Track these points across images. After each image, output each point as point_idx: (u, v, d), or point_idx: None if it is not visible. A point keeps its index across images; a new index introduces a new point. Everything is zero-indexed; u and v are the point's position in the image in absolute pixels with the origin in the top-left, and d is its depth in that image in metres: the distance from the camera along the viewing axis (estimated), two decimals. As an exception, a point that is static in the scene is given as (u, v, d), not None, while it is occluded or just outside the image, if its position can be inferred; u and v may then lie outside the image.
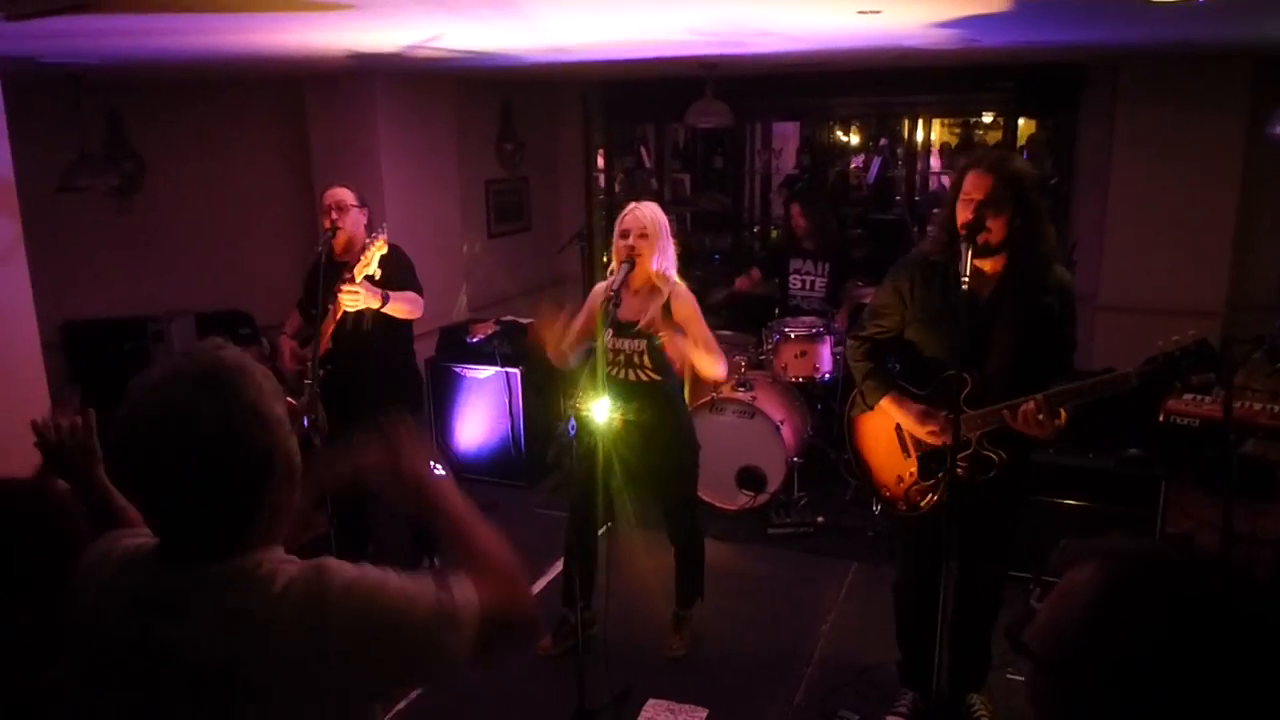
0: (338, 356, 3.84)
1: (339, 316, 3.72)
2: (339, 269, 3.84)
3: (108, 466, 1.26)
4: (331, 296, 3.72)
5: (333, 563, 1.21)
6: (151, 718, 1.19)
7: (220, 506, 1.17)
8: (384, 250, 3.64)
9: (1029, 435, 2.70)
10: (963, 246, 2.61)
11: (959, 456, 2.73)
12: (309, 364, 3.76)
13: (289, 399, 3.92)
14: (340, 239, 3.89)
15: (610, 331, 3.36)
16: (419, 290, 3.94)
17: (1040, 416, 2.62)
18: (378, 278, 3.68)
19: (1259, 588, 0.93)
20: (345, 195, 3.94)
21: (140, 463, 1.17)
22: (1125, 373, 2.58)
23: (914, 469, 2.98)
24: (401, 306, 3.80)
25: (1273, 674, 0.86)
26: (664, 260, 3.39)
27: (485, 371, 5.36)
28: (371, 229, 3.93)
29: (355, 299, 3.62)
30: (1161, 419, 3.79)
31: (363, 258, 3.61)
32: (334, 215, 3.88)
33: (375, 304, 3.68)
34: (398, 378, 4.11)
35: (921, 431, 2.88)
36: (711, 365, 3.42)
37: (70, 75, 4.66)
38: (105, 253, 5.48)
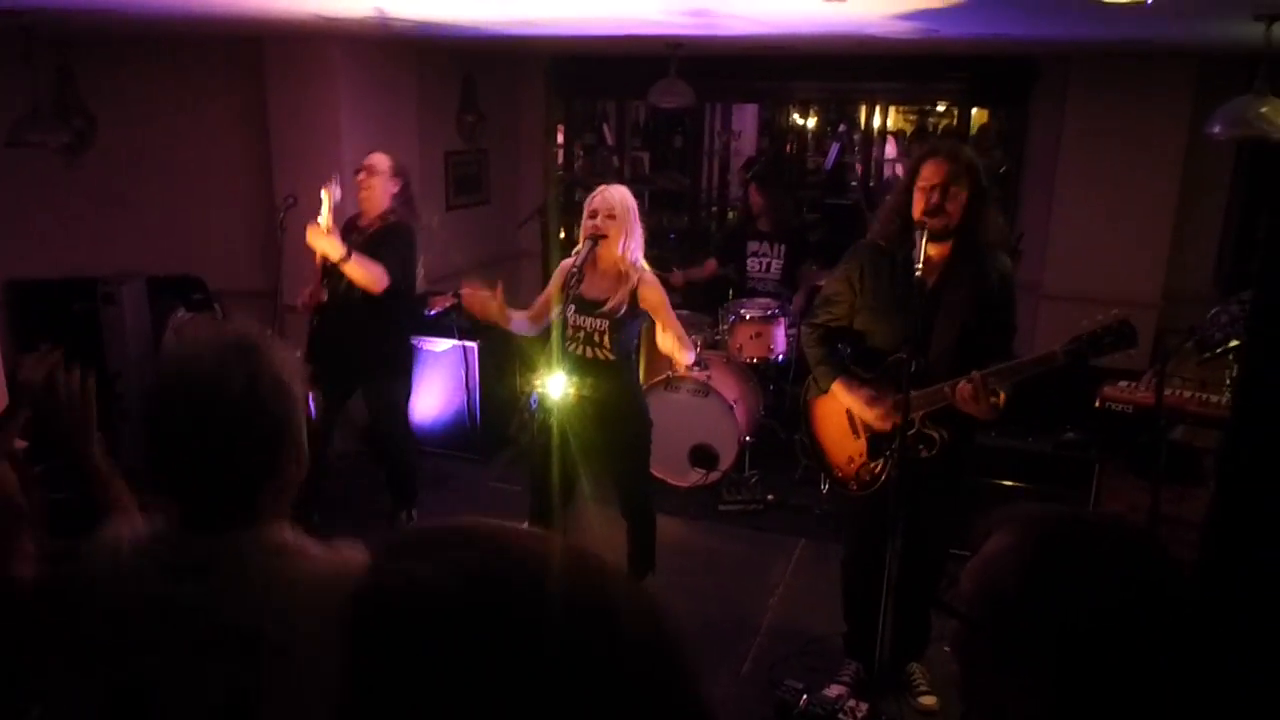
0: (327, 322, 4.02)
1: (319, 261, 3.92)
2: (356, 232, 4.04)
3: (141, 432, 1.27)
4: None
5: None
6: (181, 677, 1.22)
7: (242, 470, 1.24)
8: (334, 198, 3.80)
9: (971, 416, 2.81)
10: (918, 234, 2.71)
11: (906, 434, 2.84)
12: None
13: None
14: (363, 200, 4.04)
15: (573, 308, 3.41)
16: (393, 266, 3.97)
17: (976, 395, 2.73)
18: (327, 227, 3.82)
19: (1158, 539, 1.03)
20: (378, 159, 4.05)
21: (172, 422, 1.24)
22: (1052, 351, 2.71)
23: (864, 449, 3.09)
24: (359, 271, 3.87)
25: (1196, 618, 0.95)
26: (630, 243, 3.44)
27: (442, 344, 5.37)
28: (408, 203, 4.12)
29: (316, 237, 3.77)
30: (1097, 404, 3.95)
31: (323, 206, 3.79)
32: (360, 176, 4.00)
33: (335, 254, 3.80)
34: (382, 349, 4.16)
35: (869, 415, 2.99)
36: (683, 355, 3.52)
37: (21, 27, 4.53)
38: (53, 211, 5.34)
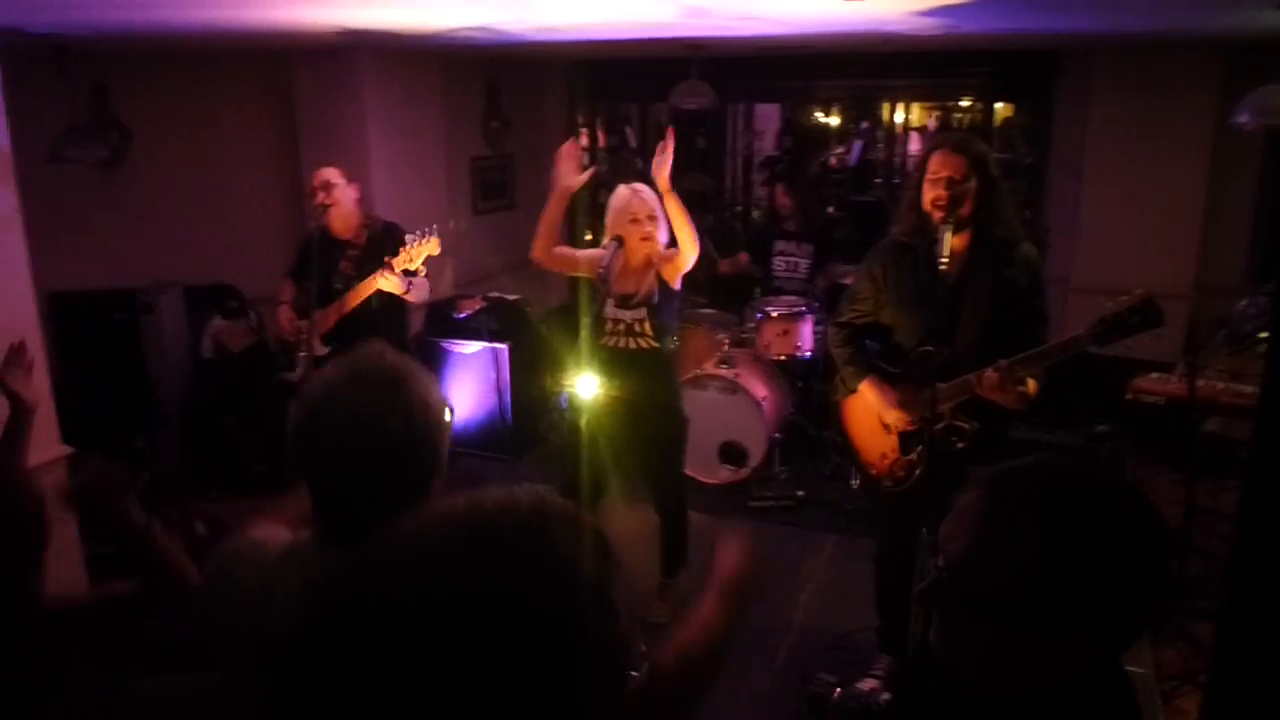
0: (343, 335, 3.89)
1: (358, 300, 3.80)
2: (338, 247, 3.91)
3: (290, 464, 1.29)
4: (340, 278, 3.79)
5: None
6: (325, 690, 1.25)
7: (399, 498, 1.23)
8: (435, 251, 3.70)
9: (1001, 406, 2.81)
10: (940, 228, 2.73)
11: (934, 428, 2.85)
12: (304, 337, 3.83)
13: (287, 374, 3.99)
14: (334, 216, 3.94)
15: (610, 303, 3.47)
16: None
17: (1003, 383, 2.71)
18: (414, 269, 3.76)
19: (1128, 483, 1.05)
20: (331, 173, 3.98)
21: (331, 459, 1.25)
22: (1077, 334, 2.64)
23: (895, 444, 3.10)
24: (421, 294, 3.90)
25: (1146, 553, 0.98)
26: (665, 237, 3.51)
27: (472, 347, 5.43)
28: (364, 204, 3.99)
29: (392, 284, 3.72)
30: (1129, 397, 3.94)
31: (406, 252, 3.65)
32: (321, 195, 3.92)
33: (400, 290, 3.77)
34: (401, 347, 4.19)
35: (891, 416, 3.01)
36: (690, 237, 3.45)
37: (56, 46, 4.64)
38: (91, 224, 5.47)
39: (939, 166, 2.78)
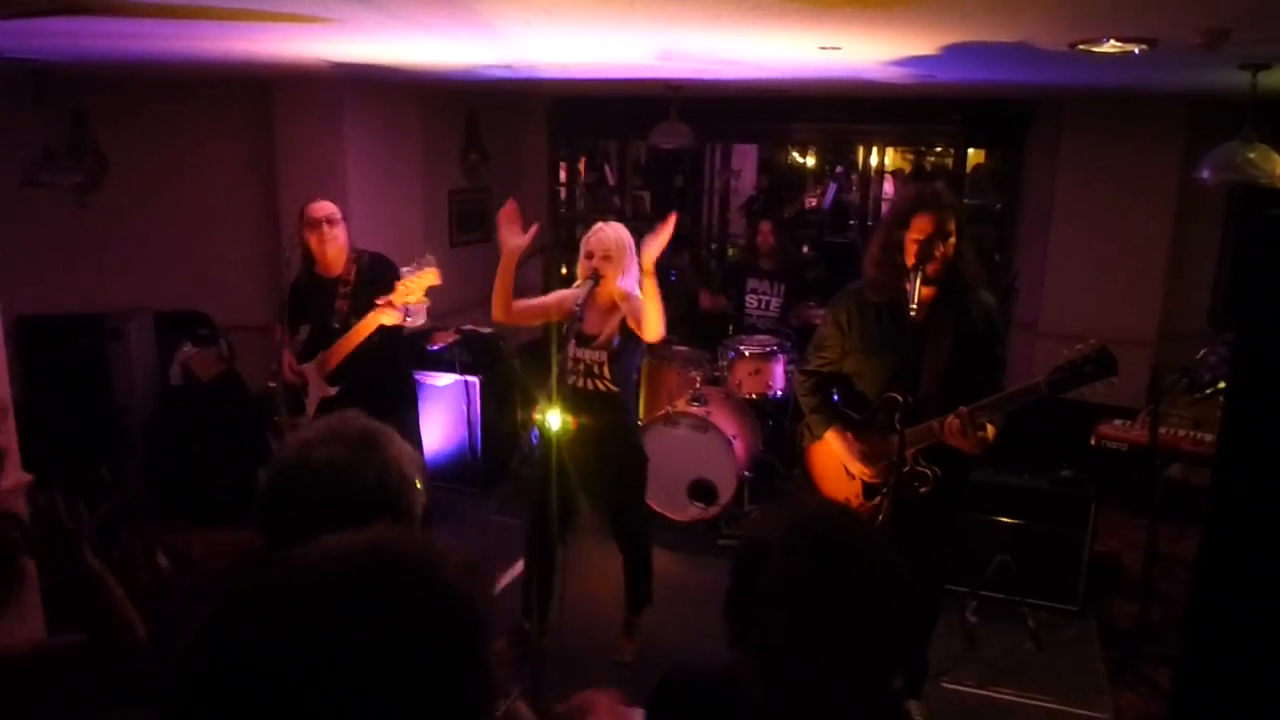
0: (349, 373, 3.80)
1: (360, 339, 3.72)
2: (329, 285, 3.86)
3: (260, 514, 1.31)
4: (338, 317, 3.76)
5: None
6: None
7: None
8: (436, 281, 3.62)
9: (962, 450, 2.85)
10: (912, 276, 2.77)
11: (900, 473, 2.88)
12: (308, 381, 3.81)
13: (297, 417, 3.92)
14: (330, 252, 3.87)
15: (573, 343, 3.47)
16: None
17: (964, 429, 2.77)
18: (355, 289, 3.72)
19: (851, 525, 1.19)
20: (332, 208, 3.88)
21: (302, 510, 1.27)
22: (1035, 382, 2.74)
23: (859, 489, 3.13)
24: (419, 321, 3.85)
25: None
26: (626, 279, 3.50)
27: (444, 379, 5.42)
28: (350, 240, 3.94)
29: (393, 318, 3.67)
30: (1093, 443, 4.00)
31: (404, 286, 3.59)
32: (325, 229, 3.83)
33: (396, 321, 3.70)
34: (401, 385, 4.15)
35: (855, 466, 3.04)
36: (658, 321, 3.40)
37: (34, 71, 4.64)
38: (63, 249, 5.43)
39: (925, 225, 2.82)
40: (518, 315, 3.65)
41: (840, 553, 1.11)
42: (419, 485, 1.36)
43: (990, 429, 2.84)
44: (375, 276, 3.85)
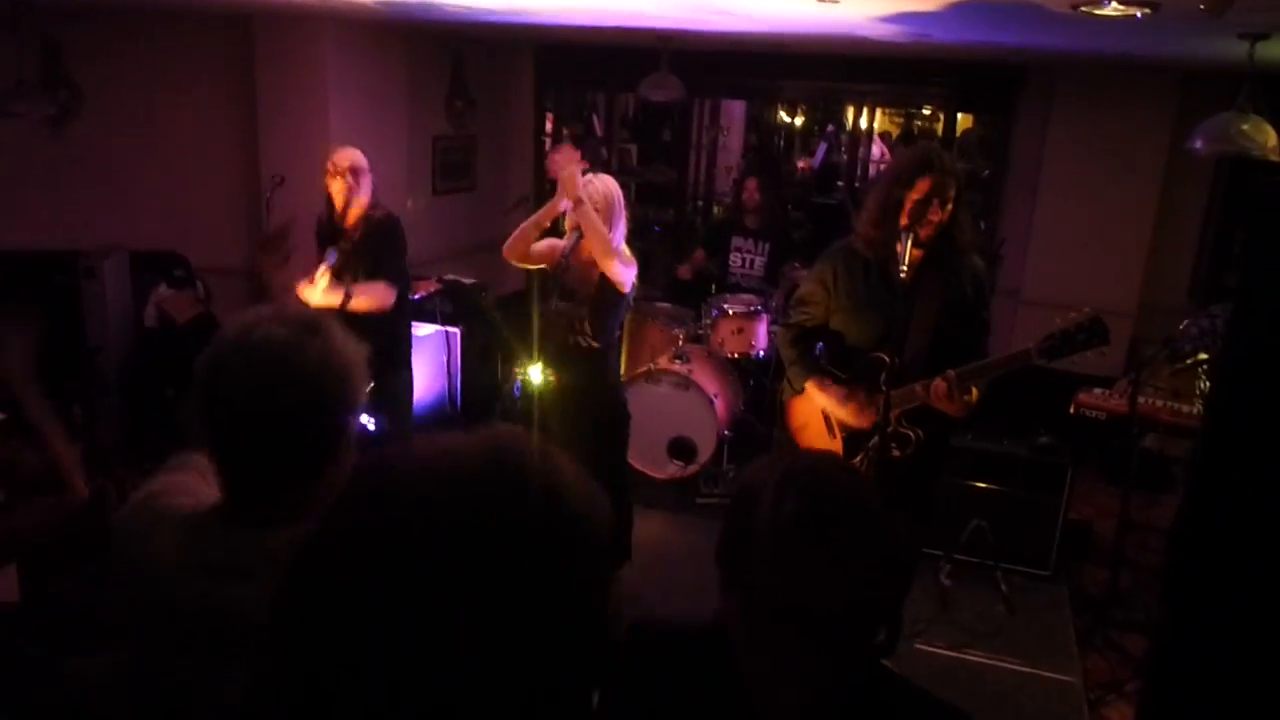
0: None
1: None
2: (336, 234, 3.81)
3: (199, 405, 1.22)
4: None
5: None
6: (217, 676, 1.20)
7: (304, 450, 1.20)
8: (315, 300, 3.60)
9: (945, 414, 2.86)
10: (903, 237, 2.75)
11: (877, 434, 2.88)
12: None
13: None
14: (352, 203, 3.79)
15: (555, 295, 3.43)
16: (394, 275, 3.82)
17: (950, 393, 2.77)
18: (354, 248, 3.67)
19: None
20: (358, 158, 3.79)
21: (238, 391, 1.18)
22: (1026, 349, 2.75)
23: (840, 449, 3.12)
24: (362, 302, 3.69)
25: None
26: (614, 234, 3.46)
27: (425, 329, 5.36)
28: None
29: (310, 293, 3.62)
30: (1072, 411, 4.02)
31: (306, 290, 3.60)
32: (347, 180, 3.74)
33: (334, 303, 3.61)
34: (392, 347, 4.02)
35: (841, 412, 3.03)
36: (608, 261, 3.38)
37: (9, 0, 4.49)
38: (35, 182, 5.30)
39: (926, 188, 2.78)
40: (531, 257, 3.61)
41: (833, 502, 1.09)
42: (363, 387, 1.26)
43: (974, 392, 2.84)
44: (374, 243, 3.79)
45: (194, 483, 1.34)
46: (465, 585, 0.64)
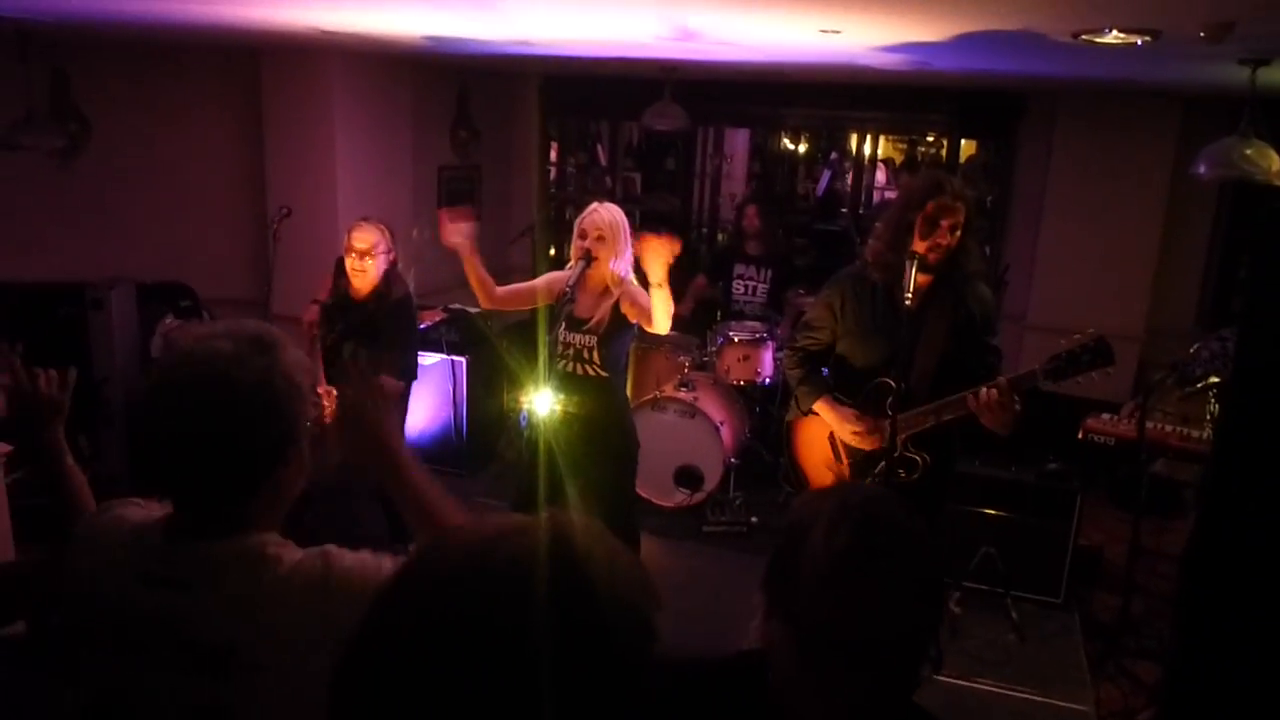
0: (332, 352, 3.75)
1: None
2: (349, 306, 3.79)
3: (142, 414, 1.22)
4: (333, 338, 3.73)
5: (334, 549, 1.26)
6: (151, 686, 1.22)
7: (244, 466, 1.21)
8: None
9: (952, 439, 2.84)
10: (908, 263, 2.75)
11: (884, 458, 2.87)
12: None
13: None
14: (361, 282, 3.77)
15: (563, 325, 3.43)
16: (400, 369, 3.74)
17: (1003, 401, 2.72)
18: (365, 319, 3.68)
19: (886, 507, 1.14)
20: (376, 238, 3.72)
21: (178, 405, 1.19)
22: (1032, 370, 2.75)
23: (845, 474, 3.11)
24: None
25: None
26: (620, 263, 3.46)
27: (431, 358, 5.36)
28: (394, 264, 3.81)
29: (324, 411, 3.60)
30: (1080, 436, 4.00)
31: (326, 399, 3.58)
32: (357, 259, 3.69)
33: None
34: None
35: (848, 432, 3.02)
36: (658, 317, 3.40)
37: (18, 31, 4.54)
38: (44, 215, 5.34)
39: (938, 212, 2.80)
40: (504, 301, 3.66)
41: (888, 535, 1.09)
42: (309, 401, 1.26)
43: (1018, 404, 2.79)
44: (386, 320, 3.76)
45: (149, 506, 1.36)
46: (524, 681, 0.68)
